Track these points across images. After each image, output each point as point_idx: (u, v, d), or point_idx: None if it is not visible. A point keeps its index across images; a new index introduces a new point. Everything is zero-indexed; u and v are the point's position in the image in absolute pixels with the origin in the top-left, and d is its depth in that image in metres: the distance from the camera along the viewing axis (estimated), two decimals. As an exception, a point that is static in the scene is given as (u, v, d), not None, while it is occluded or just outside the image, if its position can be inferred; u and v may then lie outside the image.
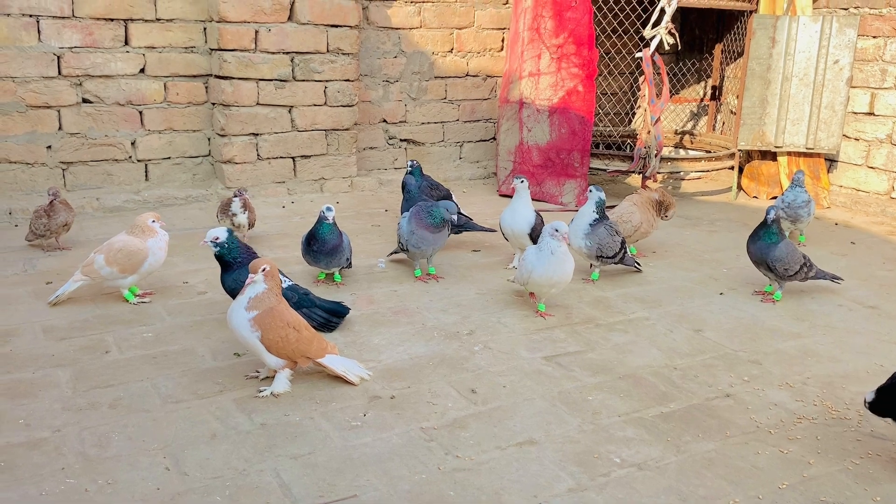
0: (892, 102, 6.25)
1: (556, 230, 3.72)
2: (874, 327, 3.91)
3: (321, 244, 4.09)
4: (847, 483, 2.55)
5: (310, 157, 6.29)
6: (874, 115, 6.38)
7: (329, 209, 4.08)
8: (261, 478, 2.50)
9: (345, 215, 5.72)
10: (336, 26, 6.13)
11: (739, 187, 6.87)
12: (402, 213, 5.00)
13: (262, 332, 2.92)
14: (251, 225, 4.91)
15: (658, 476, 2.56)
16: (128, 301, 3.91)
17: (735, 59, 6.99)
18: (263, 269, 2.91)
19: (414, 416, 2.89)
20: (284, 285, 3.54)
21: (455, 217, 4.08)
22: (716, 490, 2.50)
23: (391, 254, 4.55)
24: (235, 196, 4.89)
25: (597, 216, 4.32)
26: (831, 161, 6.71)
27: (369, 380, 3.15)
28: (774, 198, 6.50)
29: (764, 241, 4.14)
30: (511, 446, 2.71)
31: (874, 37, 6.28)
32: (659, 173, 6.28)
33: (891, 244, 5.46)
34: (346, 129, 6.36)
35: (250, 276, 2.91)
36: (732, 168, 6.72)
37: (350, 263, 4.34)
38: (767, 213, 4.15)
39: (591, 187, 4.37)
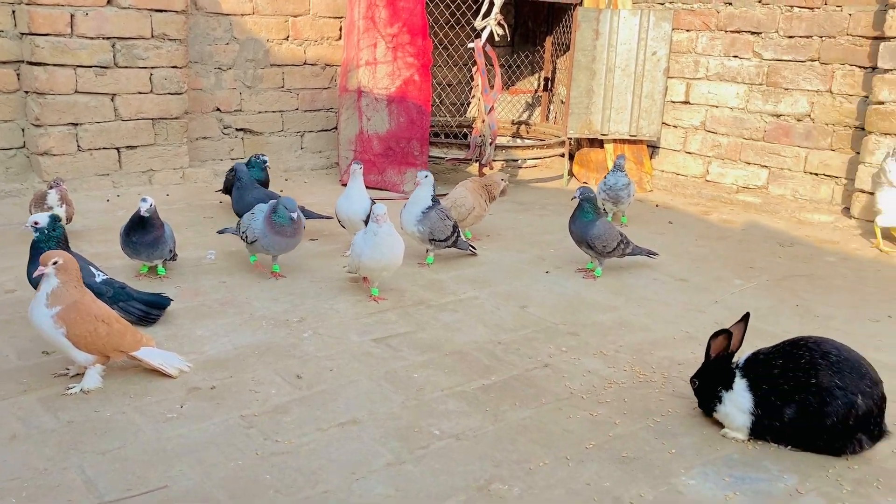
0: (705, 91, 6.77)
1: (375, 213, 3.78)
2: (683, 298, 4.23)
3: (141, 235, 3.96)
4: (648, 439, 2.76)
5: (136, 147, 6.04)
6: (689, 103, 6.89)
7: (144, 200, 3.94)
8: (63, 476, 2.38)
9: (176, 207, 5.55)
10: (160, 11, 5.90)
11: (571, 173, 7.19)
12: (233, 204, 4.90)
13: (68, 327, 2.77)
14: (69, 219, 4.65)
15: (474, 444, 2.66)
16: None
17: (565, 52, 7.32)
18: (55, 262, 2.76)
19: (234, 404, 2.85)
20: (98, 279, 3.37)
21: (296, 214, 4.04)
22: (528, 454, 2.62)
23: (222, 232, 4.43)
24: (51, 188, 4.59)
25: (431, 202, 4.41)
26: (653, 147, 7.17)
27: (189, 371, 3.07)
28: (603, 183, 6.85)
29: (581, 219, 4.38)
30: (333, 427, 2.73)
31: (687, 30, 6.78)
32: (495, 161, 6.49)
33: (704, 223, 5.93)
34: (176, 118, 6.16)
35: (40, 268, 2.75)
36: (563, 155, 7.03)
37: (174, 255, 4.23)
38: (577, 193, 4.39)
39: (423, 173, 4.45)
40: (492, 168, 6.48)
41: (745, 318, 2.82)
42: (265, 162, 5.39)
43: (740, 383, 2.73)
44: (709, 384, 2.81)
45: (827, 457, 2.65)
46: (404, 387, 3.06)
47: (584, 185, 4.52)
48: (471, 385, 3.10)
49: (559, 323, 3.79)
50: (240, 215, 4.71)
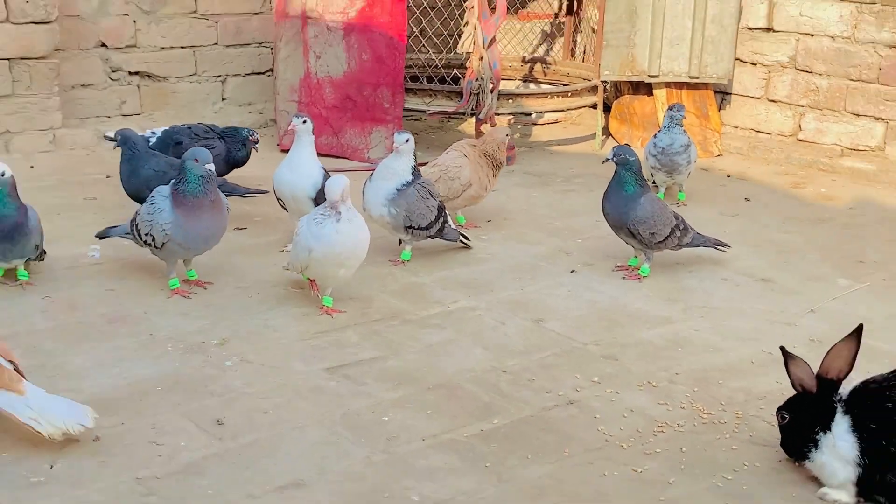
0: (796, 14, 6.78)
1: (332, 188, 3.77)
2: (765, 305, 4.24)
3: (-8, 223, 3.94)
4: (715, 504, 2.77)
5: (-15, 99, 6.04)
6: (773, 31, 6.90)
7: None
8: None
9: (44, 185, 5.54)
10: None
11: (607, 132, 7.15)
12: (123, 182, 4.88)
13: None
14: None
15: (470, 515, 2.67)
16: None
17: (597, -42, 7.32)
18: None
19: (127, 462, 2.85)
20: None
21: (212, 167, 3.98)
22: (545, 527, 2.63)
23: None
24: None
25: (410, 177, 4.41)
26: (723, 93, 7.17)
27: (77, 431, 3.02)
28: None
29: (620, 194, 4.37)
30: (268, 493, 2.73)
31: (769, -73, 6.79)
32: (498, 114, 6.46)
33: (795, 199, 5.95)
34: (42, 58, 6.14)
35: None
36: (595, 106, 6.98)
37: (42, 253, 4.21)
38: (610, 154, 4.39)
39: (402, 135, 4.43)
40: (493, 124, 6.47)
41: (857, 332, 2.83)
42: (252, 137, 5.33)
43: (842, 422, 2.73)
44: (801, 422, 2.82)
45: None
46: (370, 435, 3.05)
47: (625, 144, 4.51)
48: (464, 431, 3.09)
49: (589, 342, 3.79)
50: (134, 197, 4.71)
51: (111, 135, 4.98)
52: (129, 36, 6.70)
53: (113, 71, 6.70)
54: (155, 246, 4.04)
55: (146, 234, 4.04)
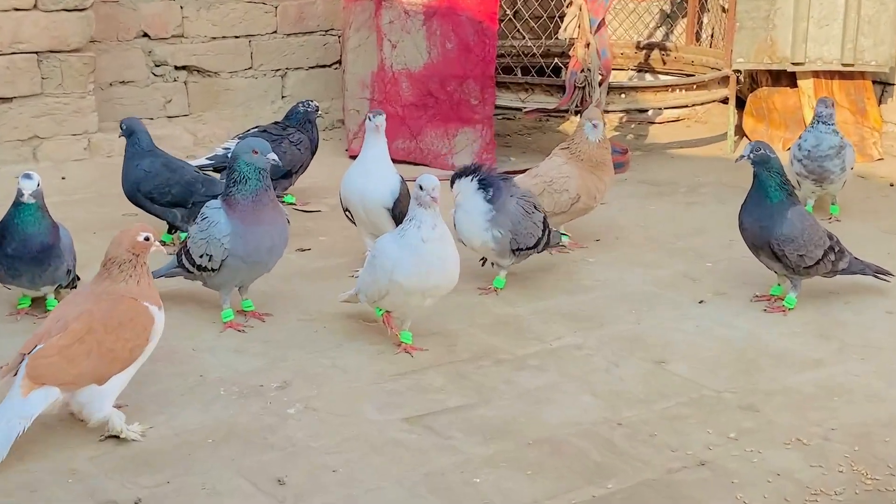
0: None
1: (421, 187, 3.72)
2: (940, 345, 4.13)
3: (21, 244, 4.00)
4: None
5: (11, 100, 6.14)
6: (945, 7, 6.75)
7: (28, 177, 3.98)
8: None
9: (77, 198, 5.62)
10: None
11: (740, 131, 7.06)
12: (125, 181, 4.97)
13: None
14: None
15: None
16: None
17: (727, -78, 7.25)
18: None
19: (174, 530, 2.87)
20: None
21: (275, 159, 4.02)
22: None
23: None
24: None
25: (491, 189, 4.35)
26: (883, 84, 7.03)
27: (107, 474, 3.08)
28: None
29: (760, 204, 4.30)
30: (339, 568, 2.72)
31: None
32: (608, 111, 6.41)
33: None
34: (75, 51, 6.24)
35: None
36: (726, 101, 6.90)
37: (74, 279, 4.25)
38: (746, 151, 4.32)
39: (466, 181, 4.36)
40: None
41: None
42: (311, 108, 5.65)
43: None
44: None
45: None
46: (458, 500, 3.02)
47: (762, 141, 4.44)
48: (572, 497, 3.05)
49: (724, 390, 3.73)
50: (133, 202, 4.92)
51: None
52: (174, 24, 6.81)
53: (156, 65, 6.82)
54: (212, 269, 4.06)
55: (201, 256, 4.05)
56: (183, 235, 4.77)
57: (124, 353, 3.23)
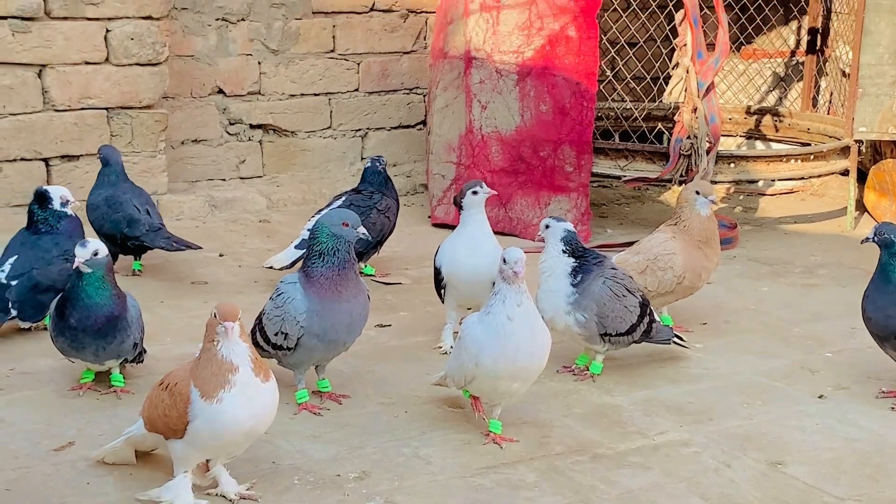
0: None
1: (505, 261, 3.67)
2: None
3: (85, 315, 3.98)
4: None
5: (78, 158, 6.20)
6: None
7: (82, 245, 3.92)
8: None
9: (144, 265, 5.65)
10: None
11: (861, 207, 6.92)
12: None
13: None
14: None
15: None
16: None
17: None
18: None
19: None
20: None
21: (364, 233, 4.00)
22: None
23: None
24: None
25: (574, 261, 4.31)
26: None
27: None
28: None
29: (884, 291, 4.16)
30: None
31: None
32: (716, 182, 6.27)
33: None
34: (148, 108, 6.31)
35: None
36: (846, 173, 6.76)
37: (141, 353, 4.22)
38: (871, 233, 4.22)
39: (550, 221, 4.39)
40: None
41: None
42: (381, 164, 5.67)
43: None
44: None
45: None
46: None
47: (888, 223, 4.30)
48: None
49: (847, 497, 3.54)
50: (97, 228, 5.29)
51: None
52: (251, 81, 6.87)
53: (231, 124, 6.86)
54: (287, 348, 4.01)
55: (276, 334, 4.01)
56: (136, 266, 5.52)
57: (166, 419, 3.32)
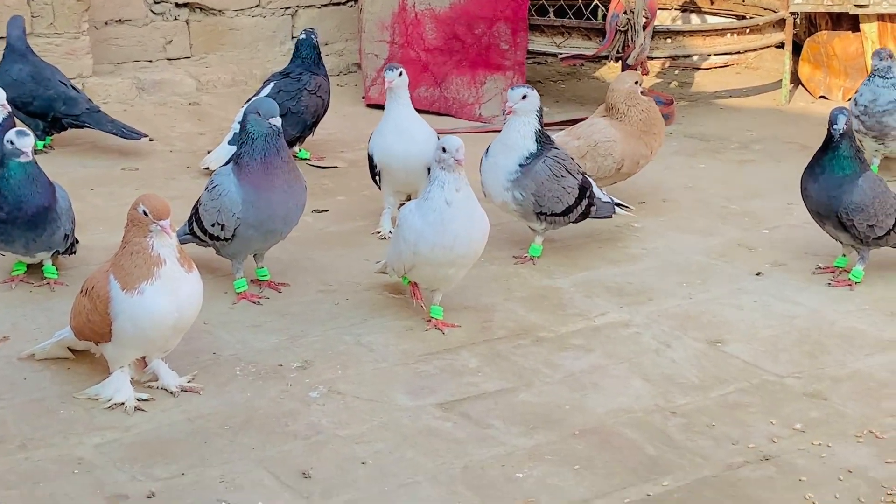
0: None
1: (444, 149, 3.73)
2: None
3: (14, 207, 3.99)
4: None
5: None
6: None
7: (23, 134, 3.96)
8: None
9: (71, 151, 5.64)
10: None
11: (796, 80, 7.00)
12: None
13: None
14: None
15: None
16: None
17: None
18: None
19: (191, 528, 2.86)
20: None
21: (278, 122, 4.02)
22: None
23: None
24: None
25: (535, 147, 4.39)
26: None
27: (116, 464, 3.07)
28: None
29: (832, 173, 4.25)
30: (372, 574, 2.72)
31: None
32: (652, 58, 6.36)
33: None
34: (66, -15, 6.23)
35: None
36: (782, 46, 6.84)
37: (73, 244, 4.25)
38: (832, 120, 4.25)
39: (518, 90, 4.40)
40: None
41: None
42: (312, 37, 5.63)
43: None
44: None
45: None
46: (500, 497, 3.00)
47: (840, 109, 4.36)
48: (624, 495, 3.03)
49: (787, 374, 3.69)
50: (21, 106, 5.24)
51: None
52: (176, -43, 6.78)
53: (156, 2, 6.80)
54: (224, 238, 4.06)
55: (213, 225, 4.06)
56: (39, 145, 5.36)
57: (91, 324, 3.38)
